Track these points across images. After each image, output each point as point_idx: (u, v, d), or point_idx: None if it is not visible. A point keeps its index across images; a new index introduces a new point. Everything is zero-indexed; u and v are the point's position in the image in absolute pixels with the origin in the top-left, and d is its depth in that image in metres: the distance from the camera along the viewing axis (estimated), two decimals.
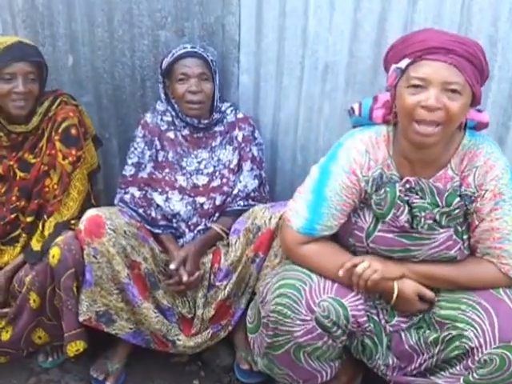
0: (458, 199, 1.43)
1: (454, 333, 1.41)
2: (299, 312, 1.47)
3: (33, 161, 1.89)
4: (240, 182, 1.96)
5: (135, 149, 1.96)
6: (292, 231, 1.56)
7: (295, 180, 2.13)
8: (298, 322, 1.47)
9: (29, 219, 1.88)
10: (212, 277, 1.86)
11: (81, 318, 1.73)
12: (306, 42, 1.91)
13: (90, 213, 1.74)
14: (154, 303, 1.82)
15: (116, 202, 1.96)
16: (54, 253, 1.68)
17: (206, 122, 1.94)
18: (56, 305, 1.75)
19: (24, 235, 1.89)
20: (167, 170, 1.95)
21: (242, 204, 1.95)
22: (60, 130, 1.86)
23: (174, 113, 1.95)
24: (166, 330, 1.81)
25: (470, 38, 1.41)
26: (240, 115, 2.01)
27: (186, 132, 1.96)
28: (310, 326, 1.47)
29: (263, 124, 2.11)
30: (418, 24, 1.74)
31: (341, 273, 1.48)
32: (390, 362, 1.54)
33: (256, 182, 1.98)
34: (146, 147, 1.95)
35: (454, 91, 1.31)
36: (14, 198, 1.89)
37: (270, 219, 1.76)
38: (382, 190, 1.47)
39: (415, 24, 1.75)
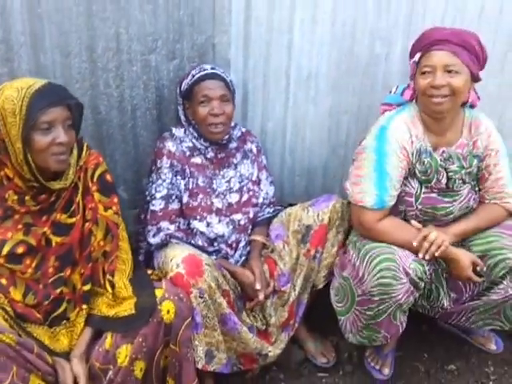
0: (476, 161, 1.92)
1: (499, 258, 1.90)
2: (399, 278, 1.75)
3: (69, 221, 1.61)
4: (262, 190, 2.07)
5: (163, 180, 1.87)
6: (367, 211, 1.83)
7: (284, 181, 2.33)
8: (399, 286, 1.75)
9: (86, 288, 1.62)
10: (275, 284, 1.96)
11: (200, 365, 1.65)
12: (291, 54, 2.11)
13: (182, 254, 1.66)
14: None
15: (154, 240, 1.84)
16: (168, 307, 1.54)
17: (225, 140, 1.97)
18: (162, 364, 1.61)
19: (72, 308, 1.62)
20: (201, 196, 1.92)
21: (270, 211, 2.08)
22: (95, 179, 1.65)
23: (196, 135, 1.92)
24: (260, 347, 1.85)
25: (466, 30, 1.84)
26: (243, 129, 2.09)
27: (210, 154, 1.96)
28: (407, 287, 1.76)
29: None
30: (385, 32, 2.14)
31: (415, 243, 1.80)
32: (450, 296, 1.96)
33: (272, 187, 2.12)
34: (179, 176, 1.88)
35: (453, 71, 1.77)
36: (51, 270, 1.59)
37: (317, 216, 1.96)
38: (426, 161, 1.86)
39: (382, 30, 2.14)
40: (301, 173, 2.37)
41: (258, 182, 2.06)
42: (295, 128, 2.26)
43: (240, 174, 2.02)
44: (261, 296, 1.86)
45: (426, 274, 1.81)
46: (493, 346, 2.23)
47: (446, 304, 1.97)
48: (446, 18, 2.15)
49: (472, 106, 1.98)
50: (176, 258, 1.66)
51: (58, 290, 1.59)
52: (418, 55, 1.82)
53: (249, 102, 2.16)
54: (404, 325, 1.90)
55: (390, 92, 1.99)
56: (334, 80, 2.20)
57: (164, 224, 1.85)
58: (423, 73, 1.79)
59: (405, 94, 1.93)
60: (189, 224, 1.91)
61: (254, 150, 2.07)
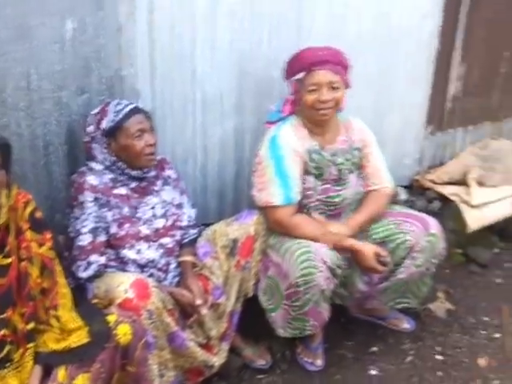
0: (357, 152, 2.22)
1: (399, 241, 2.18)
2: (319, 266, 1.96)
3: (5, 262, 1.56)
4: (185, 213, 2.16)
5: (89, 214, 1.87)
6: (278, 208, 2.06)
7: (197, 202, 2.43)
8: (320, 274, 1.96)
9: (29, 326, 1.58)
10: (210, 298, 2.05)
11: None
12: (195, 80, 2.25)
13: (129, 280, 1.69)
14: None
15: (86, 274, 1.84)
16: (125, 330, 1.56)
17: (146, 170, 2.02)
18: None
19: (15, 349, 1.56)
20: (128, 225, 1.95)
21: (194, 232, 2.17)
22: (26, 218, 1.63)
23: (119, 170, 1.95)
24: (207, 359, 1.92)
25: (335, 48, 2.12)
26: (158, 157, 2.16)
27: (133, 184, 2.00)
28: (327, 274, 1.98)
29: None
30: (277, 56, 2.35)
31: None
32: (363, 280, 2.22)
33: (194, 210, 2.21)
34: (104, 208, 1.90)
35: (335, 87, 2.07)
36: None
37: (243, 229, 2.10)
38: (316, 158, 2.13)
39: (274, 55, 2.36)
40: (212, 192, 2.49)
41: (180, 206, 2.14)
42: (204, 150, 2.39)
43: (163, 200, 2.08)
44: (203, 311, 1.94)
45: (340, 261, 2.05)
46: (406, 325, 2.52)
47: (360, 287, 2.22)
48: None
49: (340, 110, 2.23)
50: (124, 283, 1.70)
51: (1, 333, 1.53)
52: (302, 74, 2.06)
53: (159, 128, 2.24)
54: (328, 313, 2.11)
55: (270, 111, 2.23)
56: (236, 101, 2.38)
57: (94, 257, 1.86)
58: (310, 90, 2.04)
59: (284, 110, 2.18)
60: (118, 254, 1.94)
61: (173, 175, 2.15)
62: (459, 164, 3.28)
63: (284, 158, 2.08)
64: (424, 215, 2.28)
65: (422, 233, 2.16)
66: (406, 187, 3.19)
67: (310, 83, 2.05)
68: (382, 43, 2.76)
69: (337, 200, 2.18)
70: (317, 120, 2.13)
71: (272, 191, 2.07)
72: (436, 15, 2.93)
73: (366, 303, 2.34)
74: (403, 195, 3.12)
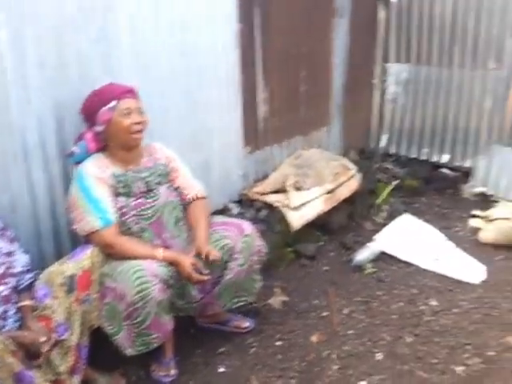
0: (162, 167, 2.52)
1: (219, 246, 2.45)
2: (151, 280, 2.18)
3: None
4: (17, 260, 2.23)
5: None
6: (102, 231, 2.26)
7: (31, 246, 2.52)
8: (154, 287, 2.18)
9: None
10: (54, 335, 2.14)
11: None
12: (12, 132, 2.35)
13: None
14: None
15: None
16: None
17: None
18: None
19: None
20: None
21: (30, 276, 2.25)
22: None
23: None
24: None
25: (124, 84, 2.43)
26: None
27: None
28: (160, 285, 2.20)
29: None
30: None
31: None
32: (198, 288, 2.46)
33: (27, 255, 2.29)
34: None
35: (142, 111, 2.39)
36: None
37: (78, 264, 2.24)
38: (123, 179, 2.38)
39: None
40: (46, 236, 2.56)
41: (10, 254, 2.21)
42: (32, 195, 2.48)
43: None
44: (45, 348, 2.03)
45: (171, 272, 2.31)
46: (247, 324, 2.82)
47: (196, 295, 2.47)
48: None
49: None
50: None
51: None
52: (114, 102, 2.32)
53: None
54: (171, 323, 2.33)
55: (73, 153, 2.40)
56: (58, 147, 2.51)
57: None
58: (125, 114, 2.31)
59: (90, 148, 2.39)
60: None
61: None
62: (279, 174, 3.74)
63: (91, 187, 2.29)
64: (239, 221, 2.64)
65: (238, 236, 2.50)
66: (237, 202, 3.56)
67: (123, 108, 2.32)
68: (192, 78, 3.11)
69: (150, 211, 2.43)
70: (130, 144, 2.37)
71: (90, 218, 2.26)
72: (234, 50, 3.36)
73: (207, 310, 2.60)
74: (235, 209, 3.48)
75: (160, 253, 2.31)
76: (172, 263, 2.34)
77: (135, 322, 2.21)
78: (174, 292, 2.36)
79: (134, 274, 2.19)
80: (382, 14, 4.80)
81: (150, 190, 2.45)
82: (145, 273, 2.19)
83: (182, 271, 2.33)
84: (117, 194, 2.37)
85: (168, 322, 2.32)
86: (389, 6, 4.73)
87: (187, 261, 2.34)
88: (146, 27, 2.81)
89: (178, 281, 2.37)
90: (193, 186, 2.61)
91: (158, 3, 2.84)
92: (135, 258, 2.26)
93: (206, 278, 2.37)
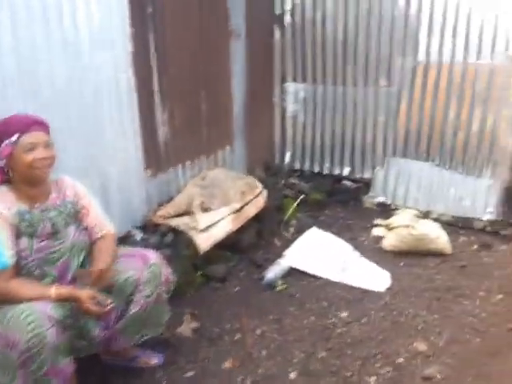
0: (70, 205, 2.34)
1: (123, 278, 2.31)
2: (45, 324, 1.97)
3: None
4: None
5: None
6: None
7: None
8: (49, 331, 1.97)
9: None
10: None
11: None
12: None
13: None
14: None
15: None
16: None
17: None
18: None
19: None
20: None
21: None
22: None
23: None
24: None
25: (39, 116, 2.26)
26: None
27: None
28: (56, 329, 2.00)
29: None
30: None
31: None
32: (101, 325, 2.29)
33: None
34: None
35: (49, 145, 2.21)
36: None
37: None
38: (26, 217, 2.18)
39: None
40: None
41: None
42: None
43: None
44: None
45: (68, 311, 2.12)
46: (156, 360, 2.66)
47: (98, 333, 2.28)
48: None
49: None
50: None
51: None
52: (16, 135, 2.12)
53: None
54: (71, 366, 2.11)
55: None
56: None
57: None
58: (27, 149, 2.12)
59: None
60: None
61: None
62: (184, 196, 3.63)
63: None
64: (144, 250, 2.50)
65: (143, 266, 2.36)
66: (140, 227, 3.40)
67: (27, 143, 2.13)
68: (87, 101, 2.94)
69: (56, 255, 2.23)
70: (35, 180, 2.18)
71: None
72: (128, 72, 3.23)
73: (112, 346, 2.41)
74: (138, 235, 3.32)
75: (52, 292, 2.10)
76: (68, 299, 2.14)
77: (31, 370, 1.97)
78: (73, 333, 2.16)
79: (26, 318, 1.96)
80: (277, 34, 4.91)
81: (56, 232, 2.25)
82: (37, 316, 1.96)
83: (80, 306, 2.14)
84: (19, 235, 2.15)
85: (68, 365, 2.11)
86: (284, 27, 4.85)
87: (84, 294, 2.14)
88: (36, 48, 2.62)
89: (77, 319, 2.18)
90: (102, 224, 2.44)
91: (48, 23, 2.66)
92: (27, 300, 2.03)
93: (107, 309, 2.19)
